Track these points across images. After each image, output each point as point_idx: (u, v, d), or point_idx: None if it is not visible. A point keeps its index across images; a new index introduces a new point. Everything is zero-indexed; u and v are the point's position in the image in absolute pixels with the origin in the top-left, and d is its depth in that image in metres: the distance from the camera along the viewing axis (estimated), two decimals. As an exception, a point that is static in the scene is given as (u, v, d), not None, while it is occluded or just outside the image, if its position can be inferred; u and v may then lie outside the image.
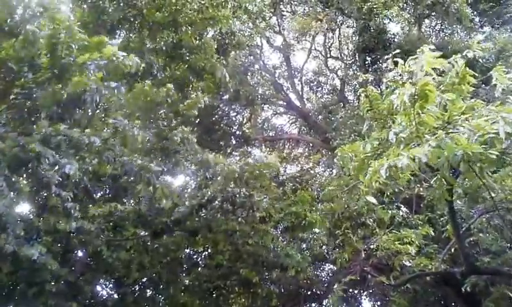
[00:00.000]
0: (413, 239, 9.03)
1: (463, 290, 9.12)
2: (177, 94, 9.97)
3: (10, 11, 5.95)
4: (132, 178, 9.01)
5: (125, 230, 10.16)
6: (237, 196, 10.17)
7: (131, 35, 11.84)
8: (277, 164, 11.09)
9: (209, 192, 10.13)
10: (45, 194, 9.52)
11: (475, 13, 17.25)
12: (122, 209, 10.06)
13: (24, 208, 9.49)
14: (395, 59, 4.70)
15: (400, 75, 4.57)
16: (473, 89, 4.94)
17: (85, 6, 10.84)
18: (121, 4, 10.55)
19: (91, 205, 9.86)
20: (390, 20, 16.02)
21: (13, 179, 6.85)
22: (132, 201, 11.02)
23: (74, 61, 6.28)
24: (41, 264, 7.73)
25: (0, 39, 6.00)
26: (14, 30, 6.01)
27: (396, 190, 10.07)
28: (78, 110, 7.11)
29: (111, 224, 9.96)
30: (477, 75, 4.79)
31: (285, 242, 11.45)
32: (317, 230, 11.76)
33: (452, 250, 9.12)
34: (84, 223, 8.57)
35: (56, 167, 6.76)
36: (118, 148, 8.22)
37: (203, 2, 10.66)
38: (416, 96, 4.05)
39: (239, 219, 10.43)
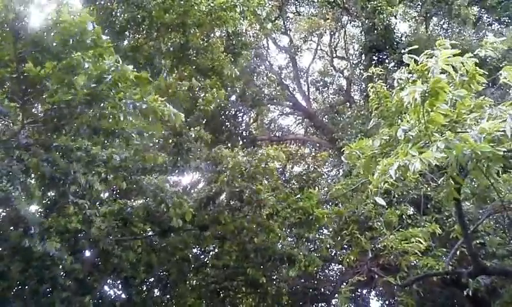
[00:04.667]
0: (420, 239, 9.00)
1: (466, 293, 9.08)
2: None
3: (62, 39, 6.13)
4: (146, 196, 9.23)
5: (134, 226, 10.19)
6: (244, 191, 10.20)
7: (139, 36, 11.93)
8: (283, 156, 11.13)
9: (217, 186, 10.17)
10: (53, 195, 9.75)
11: (482, 10, 17.15)
12: (132, 205, 10.10)
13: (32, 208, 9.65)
14: (406, 56, 4.67)
15: (410, 73, 4.55)
16: (482, 88, 4.92)
17: (93, 8, 10.93)
18: (130, 6, 10.62)
19: (98, 203, 9.97)
20: (395, 17, 15.94)
21: (27, 183, 7.12)
22: (140, 201, 11.07)
23: (113, 94, 6.37)
24: (53, 260, 7.93)
25: (44, 59, 6.18)
26: (60, 54, 6.16)
27: (404, 192, 10.12)
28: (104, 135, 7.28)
29: (120, 222, 10.00)
30: (486, 73, 4.77)
31: (292, 240, 11.43)
32: (325, 231, 11.75)
33: (459, 251, 9.08)
34: (94, 223, 8.72)
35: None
36: (136, 165, 8.44)
37: (212, 4, 10.72)
38: (427, 94, 4.04)
39: (247, 216, 10.45)
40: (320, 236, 11.81)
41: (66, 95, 6.27)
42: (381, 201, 5.18)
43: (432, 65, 4.10)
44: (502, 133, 3.83)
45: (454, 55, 4.22)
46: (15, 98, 7.12)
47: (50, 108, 6.88)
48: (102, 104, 6.49)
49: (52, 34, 6.23)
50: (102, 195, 10.81)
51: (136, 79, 6.61)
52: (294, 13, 21.01)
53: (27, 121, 7.22)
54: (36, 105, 7.38)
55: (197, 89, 11.04)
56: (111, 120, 6.65)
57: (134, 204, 10.28)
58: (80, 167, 7.26)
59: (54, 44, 6.23)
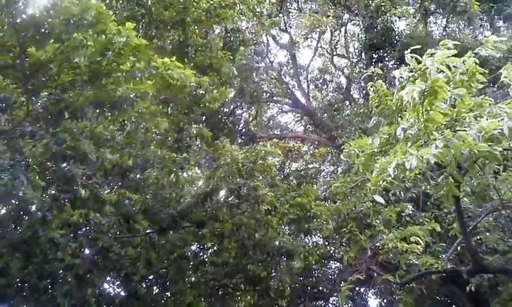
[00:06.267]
0: (419, 237, 9.00)
1: (469, 289, 9.10)
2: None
3: (63, 19, 5.98)
4: (147, 171, 9.20)
5: (134, 221, 10.16)
6: (242, 188, 10.21)
7: (137, 34, 11.90)
8: (278, 151, 11.16)
9: (214, 182, 10.18)
10: (53, 192, 9.73)
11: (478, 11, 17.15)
12: (131, 197, 10.07)
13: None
14: (408, 56, 4.65)
15: (411, 72, 4.54)
16: (481, 87, 4.92)
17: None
18: (129, 3, 10.62)
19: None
20: (399, 18, 15.94)
21: (29, 177, 7.13)
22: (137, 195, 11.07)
23: (118, 67, 6.27)
24: (54, 254, 7.96)
25: (45, 43, 6.07)
26: (61, 36, 6.03)
27: (402, 191, 10.11)
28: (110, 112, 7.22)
29: (119, 217, 9.98)
30: (486, 72, 4.76)
31: (291, 236, 11.43)
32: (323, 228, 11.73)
33: (459, 248, 9.09)
34: (95, 216, 8.72)
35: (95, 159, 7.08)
36: (139, 139, 8.42)
37: (211, 2, 10.73)
38: (426, 93, 4.04)
39: (245, 213, 10.46)
40: (319, 231, 11.79)
41: (68, 76, 6.18)
42: (379, 199, 5.17)
43: (429, 65, 4.09)
44: (500, 131, 3.84)
45: (453, 55, 4.21)
46: (18, 84, 7.04)
47: (53, 91, 6.80)
48: (106, 79, 6.40)
49: (53, 15, 6.06)
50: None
51: (135, 49, 6.44)
52: (296, 10, 20.98)
53: (31, 107, 7.13)
54: (39, 91, 7.26)
55: (199, 86, 11.04)
56: (118, 92, 6.56)
57: (134, 196, 10.28)
58: (88, 145, 7.24)
59: (55, 26, 6.05)
